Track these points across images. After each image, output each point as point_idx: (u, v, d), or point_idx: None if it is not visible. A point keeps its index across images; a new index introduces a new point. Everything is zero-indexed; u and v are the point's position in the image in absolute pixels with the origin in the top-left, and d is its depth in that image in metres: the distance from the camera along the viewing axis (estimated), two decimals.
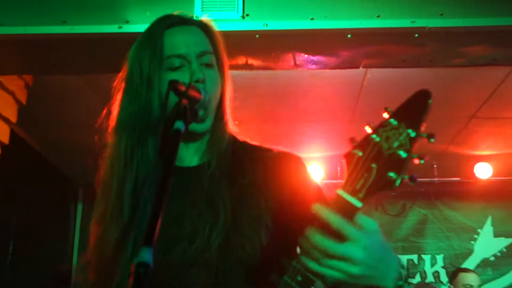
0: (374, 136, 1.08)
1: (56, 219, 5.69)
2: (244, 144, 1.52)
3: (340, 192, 1.08)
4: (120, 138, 1.43)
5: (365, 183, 1.08)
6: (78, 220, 6.00)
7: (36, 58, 3.27)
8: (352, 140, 1.12)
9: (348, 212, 1.08)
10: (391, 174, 1.05)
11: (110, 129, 1.48)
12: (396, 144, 1.06)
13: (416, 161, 1.06)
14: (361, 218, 1.09)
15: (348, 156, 1.11)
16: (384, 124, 1.09)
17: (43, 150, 5.07)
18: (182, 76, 1.39)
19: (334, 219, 1.06)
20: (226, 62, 1.53)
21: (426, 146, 1.07)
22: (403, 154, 1.05)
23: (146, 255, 0.98)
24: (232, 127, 1.53)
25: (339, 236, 1.06)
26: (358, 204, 1.07)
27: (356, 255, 1.06)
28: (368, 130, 1.10)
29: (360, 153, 1.09)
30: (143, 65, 1.42)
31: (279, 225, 1.38)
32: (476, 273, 5.08)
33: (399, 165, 1.05)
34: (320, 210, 1.08)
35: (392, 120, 1.08)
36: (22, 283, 4.65)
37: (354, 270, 1.06)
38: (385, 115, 1.10)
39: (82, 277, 1.42)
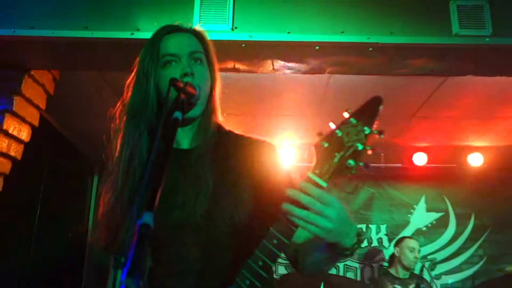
0: (337, 131, 1.13)
1: (76, 190, 5.64)
2: (229, 133, 1.52)
3: (310, 174, 1.13)
4: (129, 123, 1.43)
5: (329, 168, 1.12)
6: (94, 190, 5.95)
7: (62, 56, 3.22)
8: (319, 134, 1.15)
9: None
10: (350, 161, 1.11)
11: (122, 115, 1.47)
12: (354, 138, 1.11)
13: (369, 152, 1.12)
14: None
15: (317, 146, 1.15)
16: (346, 122, 1.13)
17: (66, 132, 5.02)
18: (174, 71, 1.39)
19: (314, 191, 1.10)
20: (216, 61, 1.52)
21: (376, 138, 1.12)
22: (359, 146, 1.11)
23: (148, 218, 0.99)
24: (221, 117, 1.53)
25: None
26: (324, 184, 1.12)
27: (331, 213, 1.10)
28: (332, 126, 1.15)
29: (326, 144, 1.13)
30: (145, 64, 1.43)
31: (254, 199, 1.39)
32: (416, 240, 5.15)
33: (357, 154, 1.11)
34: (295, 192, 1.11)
35: (352, 119, 1.13)
36: (47, 242, 4.61)
37: (329, 225, 1.10)
38: (346, 115, 1.14)
39: (95, 236, 1.41)
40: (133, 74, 1.49)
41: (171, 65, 1.41)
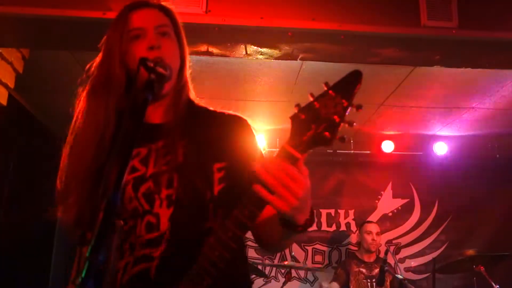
0: (315, 103, 1.10)
1: (46, 170, 5.51)
2: (202, 108, 1.52)
3: (285, 145, 1.10)
4: (91, 98, 1.42)
5: (305, 139, 1.09)
6: None
7: (32, 34, 3.14)
8: (297, 105, 1.12)
9: (289, 162, 1.09)
10: (326, 134, 1.08)
11: (86, 91, 1.46)
12: (332, 111, 1.08)
13: (347, 125, 1.09)
14: (300, 166, 1.10)
15: (294, 118, 1.11)
16: (324, 94, 1.09)
17: (35, 111, 4.89)
18: (141, 45, 1.37)
19: (286, 167, 1.08)
20: (184, 36, 1.50)
21: (354, 112, 1.10)
22: (337, 119, 1.07)
23: (114, 197, 1.00)
24: (193, 93, 1.52)
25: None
26: (298, 156, 1.09)
27: (299, 191, 1.08)
28: (311, 98, 1.11)
29: (303, 116, 1.10)
30: (109, 40, 1.42)
31: (225, 174, 1.39)
32: (375, 223, 5.27)
33: (333, 127, 1.07)
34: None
35: (330, 91, 1.09)
36: (16, 218, 4.53)
37: (295, 202, 1.08)
38: (325, 87, 1.10)
39: (62, 211, 1.41)
40: (100, 54, 1.47)
41: (138, 39, 1.39)
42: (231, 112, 1.51)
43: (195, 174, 1.34)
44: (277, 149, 1.13)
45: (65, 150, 1.46)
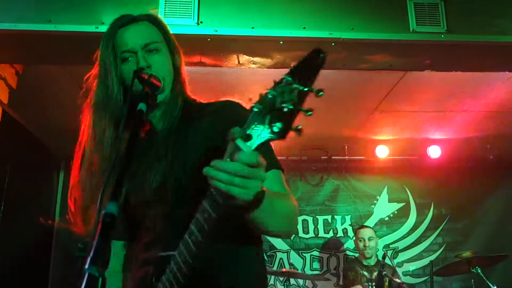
0: (270, 91, 0.96)
1: (41, 185, 5.49)
2: (197, 106, 1.51)
3: (238, 141, 1.00)
4: (95, 115, 1.44)
5: (259, 132, 0.98)
6: (60, 186, 5.80)
7: (25, 50, 3.15)
8: (251, 99, 1.01)
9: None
10: (278, 124, 0.95)
11: (86, 109, 1.48)
12: (287, 98, 0.94)
13: (303, 113, 0.95)
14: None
15: (249, 110, 1.00)
16: (281, 80, 0.96)
17: (30, 127, 4.87)
18: (132, 66, 1.40)
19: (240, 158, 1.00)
20: (175, 43, 1.51)
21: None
22: (290, 107, 0.94)
23: (112, 208, 1.00)
24: (188, 91, 1.53)
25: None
26: (249, 149, 1.00)
27: (262, 174, 1.03)
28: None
29: (259, 107, 0.98)
30: (104, 59, 1.44)
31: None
32: (370, 227, 5.25)
33: (287, 117, 0.94)
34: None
35: (286, 76, 0.95)
36: (11, 238, 4.49)
37: (259, 186, 1.03)
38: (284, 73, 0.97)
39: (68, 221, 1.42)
40: (95, 67, 1.49)
41: (129, 60, 1.41)
42: (222, 99, 1.50)
43: (184, 174, 1.35)
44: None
45: (75, 172, 1.45)
